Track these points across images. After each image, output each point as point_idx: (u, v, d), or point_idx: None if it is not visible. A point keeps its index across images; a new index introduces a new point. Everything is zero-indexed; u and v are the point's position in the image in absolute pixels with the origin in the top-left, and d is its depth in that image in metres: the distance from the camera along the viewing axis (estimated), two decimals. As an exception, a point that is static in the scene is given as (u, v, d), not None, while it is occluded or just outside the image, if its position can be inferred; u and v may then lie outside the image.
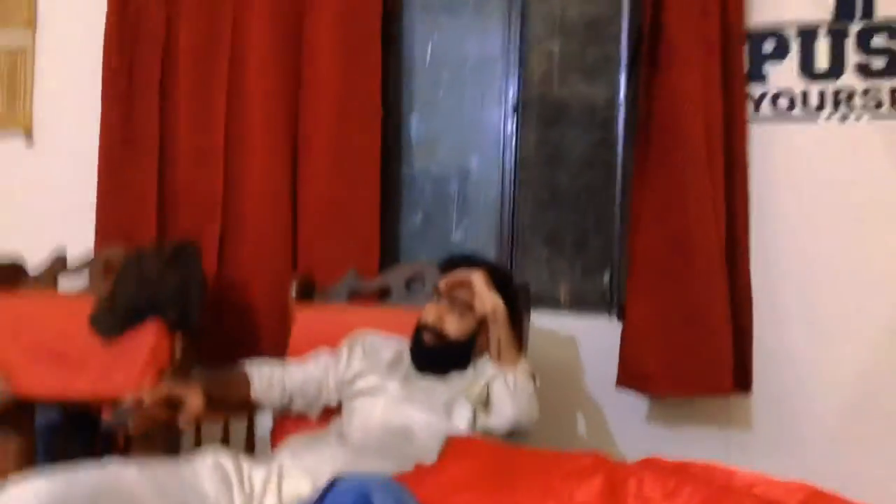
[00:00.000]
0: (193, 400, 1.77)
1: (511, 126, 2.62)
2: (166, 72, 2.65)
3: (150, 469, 1.49)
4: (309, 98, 2.55)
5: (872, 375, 2.19)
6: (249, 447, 2.12)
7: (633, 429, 2.34)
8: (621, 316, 2.33)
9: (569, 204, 2.60)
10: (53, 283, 2.53)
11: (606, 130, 2.55)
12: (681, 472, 1.26)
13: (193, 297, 2.30)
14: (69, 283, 2.54)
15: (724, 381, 2.14)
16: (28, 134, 2.90)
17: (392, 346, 2.05)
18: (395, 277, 2.33)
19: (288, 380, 2.03)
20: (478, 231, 2.70)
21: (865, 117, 2.21)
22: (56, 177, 2.86)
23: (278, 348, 2.31)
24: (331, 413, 2.05)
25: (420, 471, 1.41)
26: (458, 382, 1.90)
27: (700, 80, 2.15)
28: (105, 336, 2.27)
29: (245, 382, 1.99)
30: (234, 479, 1.58)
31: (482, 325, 1.90)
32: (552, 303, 2.56)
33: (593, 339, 2.41)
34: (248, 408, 2.05)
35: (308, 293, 2.31)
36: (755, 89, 2.28)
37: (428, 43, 2.74)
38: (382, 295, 2.35)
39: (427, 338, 1.92)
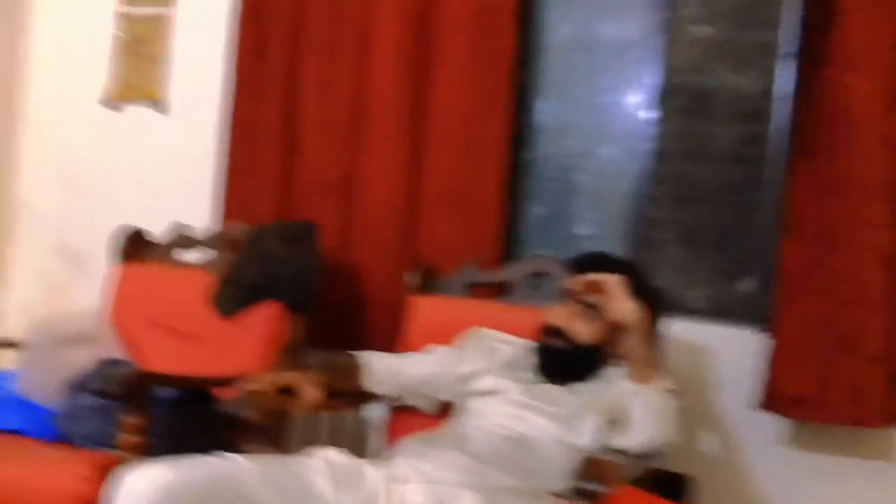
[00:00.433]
0: (310, 389, 1.72)
1: (649, 116, 2.44)
2: (295, 52, 2.61)
3: (266, 464, 1.44)
4: (436, 80, 2.45)
5: None
6: (360, 439, 2.05)
7: (769, 453, 2.15)
8: (768, 329, 2.12)
9: (709, 201, 2.40)
10: (174, 255, 2.53)
11: (757, 125, 2.34)
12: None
13: (311, 279, 2.26)
14: (189, 257, 2.54)
15: (876, 414, 1.94)
16: (160, 104, 2.91)
17: (512, 346, 1.95)
18: (517, 272, 2.20)
19: (403, 373, 1.96)
20: (606, 226, 2.54)
21: None
22: (182, 150, 2.88)
23: (391, 337, 2.25)
24: (448, 407, 1.96)
25: None
26: (584, 392, 1.77)
27: (882, 79, 1.91)
28: (224, 314, 2.26)
29: (359, 373, 1.93)
30: (350, 480, 1.51)
31: (615, 331, 1.76)
32: (686, 309, 2.38)
33: (731, 351, 2.21)
34: (362, 398, 1.98)
35: (425, 283, 2.22)
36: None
37: (563, 25, 2.59)
38: (502, 289, 2.23)
39: (553, 340, 1.79)
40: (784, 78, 2.25)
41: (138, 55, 2.96)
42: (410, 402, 2.00)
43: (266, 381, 1.64)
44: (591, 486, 1.33)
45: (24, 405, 1.97)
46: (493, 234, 2.40)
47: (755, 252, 2.32)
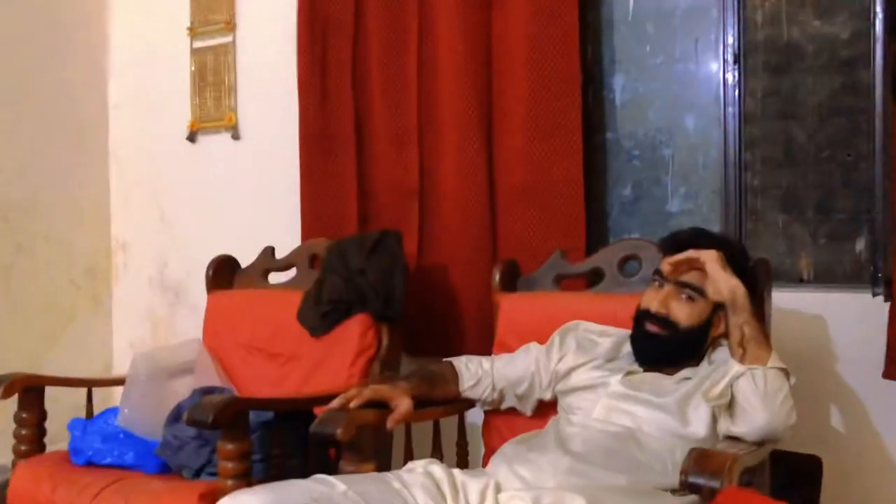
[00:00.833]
0: (401, 401, 1.68)
1: (732, 78, 2.29)
2: (357, 60, 2.60)
3: (360, 484, 1.40)
4: (501, 68, 2.39)
5: None
6: (461, 445, 2.00)
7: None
8: (884, 291, 1.95)
9: (808, 161, 2.23)
10: (264, 278, 2.55)
11: (853, 72, 2.16)
12: None
13: (396, 287, 2.23)
14: (279, 278, 2.56)
15: None
16: (234, 131, 2.96)
17: (609, 336, 1.85)
18: (606, 258, 2.09)
19: (497, 375, 1.89)
20: (698, 200, 2.40)
21: None
22: (261, 172, 2.91)
23: (484, 337, 2.18)
24: (546, 406, 1.89)
25: None
26: (691, 378, 1.65)
27: None
28: (314, 331, 2.25)
29: (453, 378, 1.87)
30: (448, 493, 1.45)
31: (716, 311, 1.64)
32: (792, 277, 2.22)
33: (847, 318, 2.04)
34: (457, 405, 1.93)
35: (511, 279, 2.14)
36: None
37: (629, -6, 2.47)
38: (593, 279, 2.13)
39: (651, 327, 1.69)
40: (882, 16, 2.05)
41: (210, 85, 3.01)
42: (508, 404, 1.93)
43: (353, 396, 1.61)
44: (700, 480, 1.22)
45: (131, 439, 2.01)
46: (578, 223, 2.30)
47: (863, 209, 2.14)
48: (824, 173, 2.21)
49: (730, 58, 2.29)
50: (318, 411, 1.69)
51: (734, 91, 2.28)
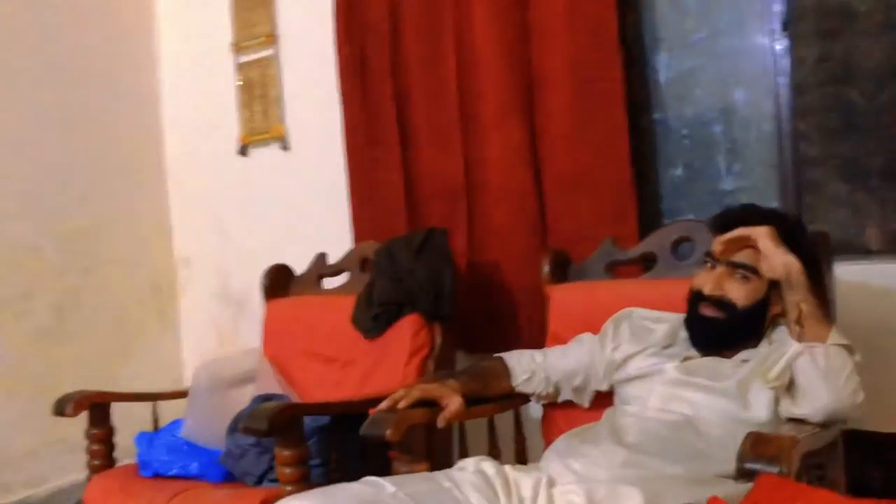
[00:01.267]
0: (452, 400, 1.66)
1: (781, 46, 2.20)
2: (396, 63, 2.60)
3: (410, 484, 1.39)
4: (540, 56, 2.35)
5: None
6: (519, 441, 1.97)
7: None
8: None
9: (867, 127, 2.12)
10: (318, 284, 2.58)
11: (910, 29, 2.05)
12: None
13: (446, 285, 2.21)
14: (332, 283, 2.58)
15: None
16: (283, 142, 2.99)
17: (664, 322, 1.79)
18: (658, 242, 2.03)
19: (550, 368, 1.86)
20: (753, 176, 2.31)
21: None
22: (312, 180, 2.94)
23: (538, 330, 2.15)
24: (604, 398, 1.84)
25: None
26: (751, 360, 1.59)
27: None
28: (367, 334, 2.25)
29: (504, 374, 1.85)
30: (500, 490, 1.43)
31: (773, 289, 1.57)
32: (858, 249, 2.12)
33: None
34: (511, 400, 1.90)
35: (561, 270, 2.10)
36: None
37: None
38: (647, 264, 2.07)
39: (707, 310, 1.62)
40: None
41: (257, 98, 3.05)
42: (565, 397, 1.89)
43: (402, 396, 1.60)
44: (758, 466, 1.16)
45: (195, 450, 2.05)
46: (628, 208, 2.25)
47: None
48: (887, 138, 2.10)
49: (777, 26, 2.20)
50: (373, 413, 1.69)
51: (784, 60, 2.19)
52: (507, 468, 1.50)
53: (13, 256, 2.86)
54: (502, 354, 1.90)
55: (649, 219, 2.34)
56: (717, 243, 1.63)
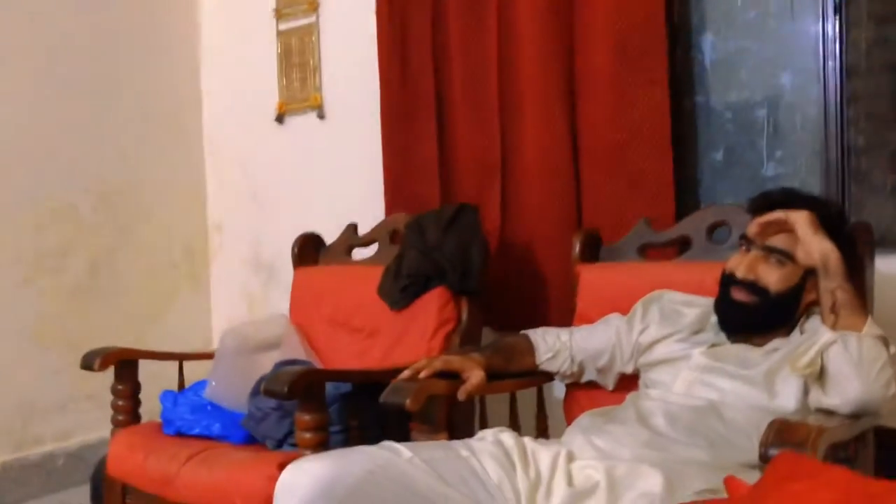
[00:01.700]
0: (473, 373, 1.65)
1: (833, 29, 2.12)
2: (437, 35, 2.56)
3: (426, 451, 1.38)
4: (583, 33, 2.30)
5: None
6: (540, 419, 1.95)
7: None
8: None
9: (919, 116, 2.05)
10: (348, 254, 2.57)
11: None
12: None
13: (474, 260, 2.19)
14: (362, 254, 2.57)
15: None
16: (320, 111, 2.98)
17: (695, 307, 1.75)
18: (693, 226, 1.99)
19: (575, 348, 1.83)
20: (796, 163, 2.24)
21: None
22: (347, 150, 2.93)
23: (567, 310, 2.12)
24: (629, 380, 1.81)
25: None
26: (781, 349, 1.55)
27: None
28: (393, 305, 2.25)
29: (528, 351, 1.83)
30: (518, 461, 1.41)
31: (809, 276, 1.53)
32: (901, 242, 2.05)
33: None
34: (534, 378, 1.88)
35: (593, 250, 2.07)
36: None
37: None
38: (680, 248, 2.03)
39: (739, 294, 1.58)
40: None
41: (295, 66, 3.05)
42: (588, 377, 1.87)
43: (423, 367, 1.59)
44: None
45: (218, 411, 2.07)
46: (666, 190, 2.20)
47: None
48: (939, 129, 2.03)
49: (830, 9, 2.13)
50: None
51: (835, 44, 2.12)
52: (527, 440, 1.49)
53: (50, 213, 2.91)
54: (527, 331, 1.88)
55: (687, 202, 2.29)
56: (754, 224, 1.59)
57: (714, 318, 1.68)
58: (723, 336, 1.66)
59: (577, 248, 2.05)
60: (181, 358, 2.35)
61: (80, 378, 2.44)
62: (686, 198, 2.31)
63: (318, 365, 2.30)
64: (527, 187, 2.42)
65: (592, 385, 1.88)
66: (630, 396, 1.69)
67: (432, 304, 2.18)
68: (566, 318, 2.07)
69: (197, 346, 3.17)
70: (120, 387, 2.16)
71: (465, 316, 2.19)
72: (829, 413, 1.37)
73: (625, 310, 1.85)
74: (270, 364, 2.17)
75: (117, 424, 2.15)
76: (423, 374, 1.58)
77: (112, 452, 2.06)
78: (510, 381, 1.79)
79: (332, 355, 2.36)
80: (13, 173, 2.81)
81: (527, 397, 1.95)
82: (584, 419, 1.64)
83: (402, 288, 2.22)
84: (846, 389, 1.33)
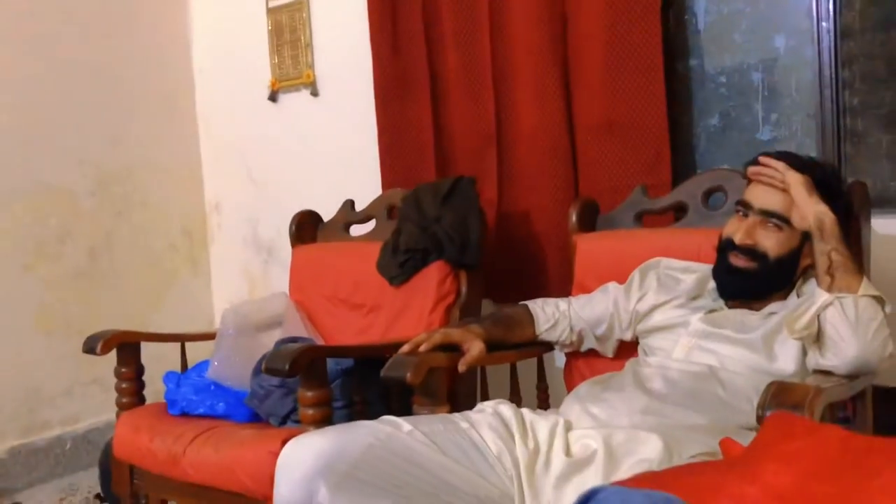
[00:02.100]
0: (473, 344, 1.65)
1: (826, -11, 2.11)
2: (427, 6, 2.54)
3: (426, 424, 1.40)
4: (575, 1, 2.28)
5: None
6: (541, 389, 1.97)
7: None
8: None
9: (915, 75, 2.04)
10: (346, 231, 2.57)
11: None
12: None
13: (473, 233, 2.19)
14: (360, 230, 2.57)
15: None
16: (313, 88, 2.97)
17: (692, 273, 1.76)
18: (689, 191, 1.98)
19: (574, 317, 1.84)
20: (792, 126, 2.23)
21: None
22: (341, 126, 2.91)
23: (566, 280, 2.12)
24: (628, 347, 1.82)
25: (719, 470, 1.04)
26: (779, 313, 1.56)
27: None
28: (392, 280, 2.25)
29: (528, 321, 1.84)
30: (517, 433, 1.43)
31: (806, 240, 1.53)
32: (898, 203, 2.05)
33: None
34: (534, 348, 1.89)
35: (590, 219, 2.07)
36: None
37: None
38: (676, 214, 2.03)
39: (738, 260, 1.59)
40: None
41: (287, 44, 3.02)
42: (588, 346, 1.88)
43: (423, 340, 1.60)
44: (778, 416, 1.14)
45: (222, 390, 2.08)
46: (662, 157, 2.19)
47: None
48: (935, 86, 2.02)
49: (822, -33, 2.11)
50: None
51: (828, 4, 2.10)
52: (525, 411, 1.50)
53: (48, 199, 2.91)
54: (526, 302, 1.89)
55: (683, 169, 2.29)
56: (751, 172, 1.58)
57: (712, 284, 1.68)
58: (721, 301, 1.67)
59: (574, 217, 2.05)
60: (183, 339, 2.36)
61: (86, 362, 2.46)
62: (682, 164, 2.30)
63: (320, 342, 2.31)
64: (523, 158, 2.41)
65: (592, 353, 1.90)
66: (629, 363, 1.70)
67: (431, 279, 2.18)
68: (565, 287, 2.08)
69: (199, 327, 3.18)
70: (123, 369, 2.17)
71: (464, 289, 2.19)
72: (827, 374, 1.38)
73: (622, 278, 1.85)
74: (272, 343, 2.17)
75: (122, 407, 2.17)
76: (422, 348, 1.58)
77: (118, 435, 2.08)
78: (511, 351, 1.80)
79: (333, 332, 2.37)
80: (8, 162, 2.80)
81: (527, 367, 1.96)
82: (581, 388, 1.65)
83: (400, 263, 2.22)
84: (843, 350, 1.33)
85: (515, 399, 1.86)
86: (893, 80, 2.06)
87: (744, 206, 1.61)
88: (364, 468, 1.27)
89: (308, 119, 3.01)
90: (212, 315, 3.37)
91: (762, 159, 1.56)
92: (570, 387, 1.91)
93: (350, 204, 2.59)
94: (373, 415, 1.55)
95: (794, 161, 1.58)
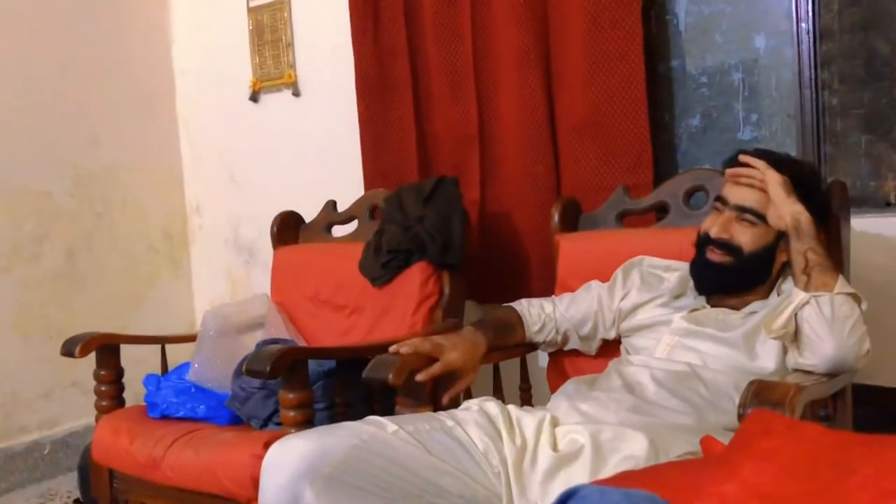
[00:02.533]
0: (444, 356, 1.62)
1: (805, -10, 2.12)
2: (409, 5, 2.53)
3: (411, 423, 1.39)
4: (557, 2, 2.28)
5: None
6: (524, 389, 1.97)
7: None
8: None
9: (893, 76, 2.05)
10: (328, 231, 2.56)
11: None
12: None
13: (455, 233, 2.19)
14: (343, 231, 2.56)
15: None
16: (294, 88, 2.95)
17: (675, 271, 1.77)
18: (670, 191, 1.99)
19: (560, 318, 1.84)
20: (772, 126, 2.25)
21: None
22: (323, 127, 2.90)
23: (547, 281, 2.12)
24: (611, 346, 1.83)
25: (699, 468, 1.04)
26: (760, 312, 1.56)
27: None
28: (374, 281, 2.24)
29: (519, 324, 1.83)
30: (504, 429, 1.42)
31: (782, 237, 1.54)
32: (877, 202, 2.07)
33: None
34: (520, 348, 1.89)
35: (572, 219, 2.07)
36: None
37: None
38: (658, 214, 2.04)
39: (714, 255, 1.60)
40: None
41: (268, 44, 3.01)
42: (572, 346, 1.88)
43: (406, 345, 1.58)
44: (759, 415, 1.14)
45: (202, 393, 2.07)
46: (644, 157, 2.20)
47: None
48: (913, 87, 2.04)
49: (802, -31, 2.12)
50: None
51: (807, 5, 2.11)
52: (511, 407, 1.50)
53: (25, 200, 2.87)
54: (513, 304, 1.89)
55: (665, 168, 2.30)
56: (730, 175, 1.59)
57: (692, 281, 1.69)
58: (703, 300, 1.67)
59: (557, 217, 2.05)
60: (163, 341, 2.33)
61: (64, 365, 2.43)
62: (664, 164, 2.31)
63: (302, 343, 2.30)
64: (505, 158, 2.41)
65: (575, 352, 1.90)
66: (612, 363, 1.70)
67: (414, 279, 2.18)
68: (548, 287, 2.08)
69: (180, 329, 3.15)
70: (102, 372, 2.14)
71: (447, 289, 2.18)
72: (807, 373, 1.38)
73: (605, 278, 1.86)
74: (253, 344, 2.16)
75: (101, 410, 2.14)
76: (404, 350, 1.57)
77: (97, 438, 2.06)
78: (494, 353, 1.79)
79: (315, 334, 2.36)
80: (-16, 161, 2.77)
81: (510, 367, 1.95)
82: (568, 386, 1.65)
83: (383, 263, 2.21)
84: (821, 348, 1.34)
85: (499, 398, 1.85)
86: (872, 80, 2.08)
87: (720, 202, 1.62)
88: (348, 470, 1.26)
89: (289, 119, 2.99)
90: (193, 317, 3.34)
91: (742, 157, 1.57)
92: (553, 386, 1.91)
93: (332, 204, 2.58)
94: (355, 416, 1.54)
95: (773, 159, 1.59)
